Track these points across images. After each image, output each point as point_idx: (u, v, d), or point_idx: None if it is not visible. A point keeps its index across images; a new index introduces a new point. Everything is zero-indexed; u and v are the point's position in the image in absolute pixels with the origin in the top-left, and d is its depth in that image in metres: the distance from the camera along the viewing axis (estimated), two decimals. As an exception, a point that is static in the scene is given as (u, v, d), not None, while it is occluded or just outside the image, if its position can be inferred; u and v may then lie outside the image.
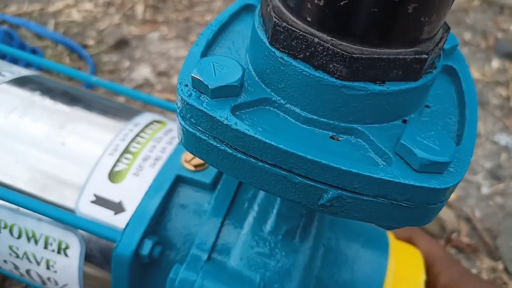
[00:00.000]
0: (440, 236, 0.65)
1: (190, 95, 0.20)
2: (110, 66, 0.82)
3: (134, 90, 0.45)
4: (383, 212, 0.20)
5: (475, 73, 0.95)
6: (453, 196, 0.68)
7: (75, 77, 0.43)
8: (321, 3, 0.18)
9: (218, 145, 0.20)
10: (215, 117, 0.19)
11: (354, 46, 0.18)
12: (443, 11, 0.19)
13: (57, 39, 0.85)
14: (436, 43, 0.20)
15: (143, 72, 0.82)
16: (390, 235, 0.36)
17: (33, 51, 0.74)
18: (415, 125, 0.20)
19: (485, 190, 0.71)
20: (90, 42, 0.88)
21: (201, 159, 0.21)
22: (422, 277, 0.33)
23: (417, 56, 0.19)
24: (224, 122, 0.19)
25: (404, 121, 0.22)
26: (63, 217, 0.31)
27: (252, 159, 0.20)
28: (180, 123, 0.21)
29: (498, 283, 0.59)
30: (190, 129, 0.21)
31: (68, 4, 0.98)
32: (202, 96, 0.20)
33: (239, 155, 0.20)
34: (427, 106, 0.23)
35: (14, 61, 0.66)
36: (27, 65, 0.67)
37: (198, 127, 0.20)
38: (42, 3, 0.98)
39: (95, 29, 0.91)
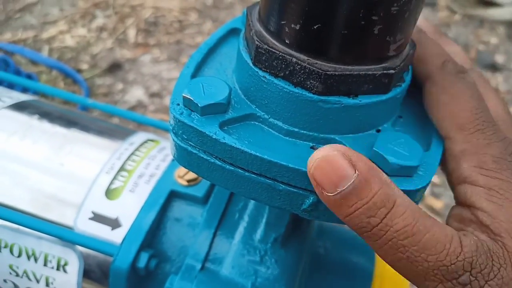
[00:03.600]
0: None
1: (181, 113, 0.22)
2: (104, 89, 0.84)
3: (128, 111, 0.46)
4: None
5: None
6: (439, 205, 0.70)
7: (71, 101, 0.45)
8: (297, 27, 0.20)
9: (208, 158, 0.22)
10: (205, 132, 0.21)
11: (328, 64, 0.21)
12: (407, 31, 0.21)
13: (52, 65, 0.88)
14: (403, 59, 0.22)
15: (136, 94, 0.84)
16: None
17: (29, 77, 0.76)
18: (387, 134, 0.22)
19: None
20: (84, 66, 0.90)
21: (193, 172, 0.23)
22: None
23: (385, 72, 0.21)
24: (213, 137, 0.21)
25: (378, 131, 0.23)
26: (62, 234, 0.32)
27: (240, 170, 0.22)
28: (173, 139, 0.23)
29: None
30: (182, 144, 0.23)
31: (62, 30, 1.01)
32: (193, 114, 0.22)
33: (227, 166, 0.22)
34: (400, 117, 0.25)
35: (11, 86, 0.67)
36: (24, 90, 0.69)
37: (190, 142, 0.22)
38: (36, 30, 1.00)
39: (88, 54, 0.94)
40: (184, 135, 0.22)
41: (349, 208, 0.19)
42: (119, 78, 0.86)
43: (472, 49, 1.12)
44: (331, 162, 0.19)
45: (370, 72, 0.21)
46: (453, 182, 0.23)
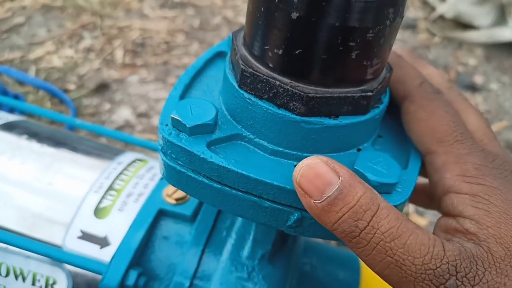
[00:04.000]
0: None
1: (170, 133, 0.23)
2: (91, 109, 0.84)
3: (116, 131, 0.47)
4: (345, 231, 0.23)
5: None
6: (423, 222, 0.71)
7: (59, 121, 0.45)
8: (280, 52, 0.21)
9: (196, 177, 0.23)
10: (193, 152, 0.22)
11: (309, 86, 0.22)
12: (383, 55, 0.23)
13: (39, 85, 0.88)
14: (380, 82, 0.24)
15: (124, 114, 0.84)
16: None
17: (15, 97, 0.77)
18: (367, 153, 0.23)
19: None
20: (71, 86, 0.90)
21: (181, 190, 0.24)
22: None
23: (363, 94, 0.22)
24: (201, 156, 0.22)
25: (359, 150, 0.25)
26: (50, 252, 0.32)
27: (227, 188, 0.23)
28: (162, 159, 0.24)
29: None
30: (171, 163, 0.23)
31: (49, 51, 1.01)
32: (181, 134, 0.23)
33: (215, 184, 0.23)
34: (380, 136, 0.27)
35: (-3, 107, 0.68)
36: (11, 110, 0.69)
37: (178, 161, 0.23)
38: (23, 51, 1.01)
39: (75, 74, 0.94)
40: (172, 155, 0.23)
41: (337, 213, 0.19)
42: (106, 98, 0.87)
43: (451, 70, 1.16)
44: (315, 169, 0.20)
45: (349, 95, 0.22)
46: (438, 194, 0.24)
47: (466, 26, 1.41)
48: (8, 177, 0.36)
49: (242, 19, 1.23)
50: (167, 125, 0.23)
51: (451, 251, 0.20)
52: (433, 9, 1.46)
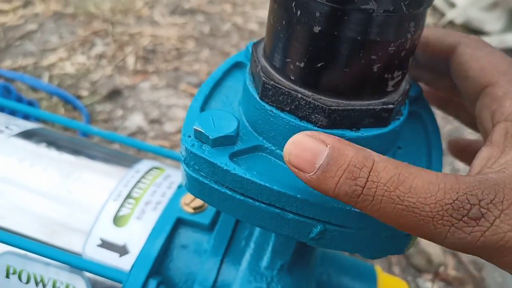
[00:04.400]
0: (427, 270, 0.67)
1: (193, 145, 0.23)
2: (104, 116, 0.85)
3: (133, 139, 0.48)
4: (366, 243, 0.23)
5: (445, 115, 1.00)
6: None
7: (77, 129, 0.46)
8: (302, 65, 0.22)
9: (219, 188, 0.23)
10: (216, 163, 0.23)
11: (331, 99, 0.22)
12: (403, 68, 0.23)
13: (52, 91, 0.89)
14: (401, 94, 0.24)
15: (136, 120, 0.85)
16: (377, 268, 0.39)
17: (30, 103, 0.78)
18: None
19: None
20: (84, 93, 0.91)
21: (204, 201, 0.24)
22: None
23: (384, 106, 0.23)
24: (224, 168, 0.22)
25: (379, 161, 0.25)
26: (71, 260, 0.33)
27: (249, 199, 0.23)
28: (185, 170, 0.24)
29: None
30: (194, 175, 0.24)
31: (62, 58, 1.02)
32: (204, 146, 0.23)
33: (237, 196, 0.23)
34: (399, 148, 0.27)
35: (13, 113, 0.69)
36: (25, 117, 0.70)
37: (201, 173, 0.23)
38: (36, 57, 1.02)
39: (88, 81, 0.95)
40: (195, 166, 0.23)
41: (333, 178, 0.19)
42: (118, 104, 0.88)
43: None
44: (301, 143, 0.20)
45: (370, 107, 0.22)
46: (494, 123, 0.23)
47: (476, 31, 1.40)
48: (29, 184, 0.37)
49: (252, 26, 1.24)
50: (189, 136, 0.24)
51: (467, 183, 0.18)
52: (442, 14, 1.45)
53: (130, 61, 1.02)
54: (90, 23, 1.15)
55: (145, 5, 1.27)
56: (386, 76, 0.22)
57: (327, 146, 0.19)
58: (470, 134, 0.94)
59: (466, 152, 0.34)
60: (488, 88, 0.24)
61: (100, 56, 1.04)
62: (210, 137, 0.23)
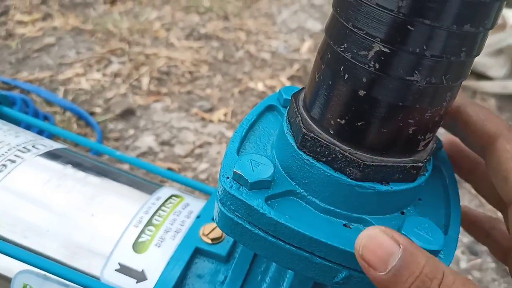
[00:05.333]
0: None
1: (231, 187, 0.24)
2: (115, 134, 0.87)
3: (155, 166, 0.49)
4: (387, 290, 0.24)
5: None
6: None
7: (103, 153, 0.47)
8: (342, 122, 0.23)
9: (252, 229, 0.24)
10: (252, 206, 0.24)
11: (366, 155, 0.24)
12: (435, 130, 0.24)
13: (66, 106, 0.91)
14: (429, 152, 0.25)
15: (147, 140, 0.86)
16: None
17: (45, 118, 0.79)
18: (412, 218, 0.25)
19: (463, 264, 0.75)
20: (97, 110, 0.93)
21: (236, 239, 0.25)
22: None
23: (414, 164, 0.24)
24: (260, 211, 0.24)
25: (402, 213, 0.26)
26: (90, 284, 0.34)
27: (281, 242, 0.24)
28: (220, 209, 0.25)
29: None
30: (229, 214, 0.25)
31: (78, 73, 1.04)
32: (241, 188, 0.25)
33: (269, 238, 0.24)
34: (419, 199, 0.28)
35: (28, 127, 0.70)
36: (40, 131, 0.71)
37: (236, 213, 0.25)
38: (53, 71, 1.04)
39: (102, 98, 0.97)
40: (231, 206, 0.25)
41: (404, 284, 0.20)
42: (131, 124, 0.89)
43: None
44: (376, 238, 0.21)
45: (401, 164, 0.24)
46: None
47: (479, 75, 1.44)
48: (53, 205, 0.38)
49: (264, 55, 1.27)
50: (228, 177, 0.25)
51: None
52: (449, 57, 1.49)
53: (145, 81, 1.04)
54: (108, 41, 1.18)
55: (162, 27, 1.30)
56: (419, 137, 0.23)
57: (400, 247, 0.20)
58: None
59: (474, 227, 0.34)
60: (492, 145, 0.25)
61: (116, 75, 1.06)
62: (249, 181, 0.24)
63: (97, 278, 0.35)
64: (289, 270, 0.32)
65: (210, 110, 0.97)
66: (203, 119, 0.94)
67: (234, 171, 0.25)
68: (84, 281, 0.34)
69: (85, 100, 0.96)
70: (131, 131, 0.88)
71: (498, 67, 1.45)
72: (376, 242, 0.21)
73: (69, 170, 0.41)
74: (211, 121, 0.92)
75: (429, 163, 0.27)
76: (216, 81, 1.10)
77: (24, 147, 0.42)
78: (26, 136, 0.44)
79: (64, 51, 1.13)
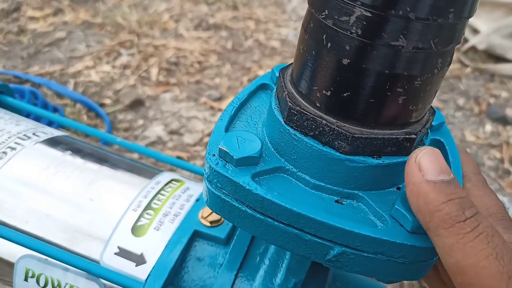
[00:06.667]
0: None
1: (217, 164, 0.24)
2: (125, 124, 0.87)
3: (156, 151, 0.49)
4: (382, 267, 0.23)
5: (469, 136, 0.99)
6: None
7: (101, 138, 0.47)
8: (328, 93, 0.22)
9: (240, 206, 0.24)
10: (238, 183, 0.23)
11: (355, 127, 0.23)
12: (428, 100, 0.23)
13: (76, 98, 0.91)
14: (423, 124, 0.24)
15: (156, 130, 0.86)
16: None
17: (55, 110, 0.80)
18: (407, 193, 0.24)
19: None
20: (107, 101, 0.94)
21: (224, 218, 0.25)
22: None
23: (407, 136, 0.23)
24: (246, 187, 0.23)
25: (398, 188, 0.25)
26: (89, 267, 0.34)
27: (269, 219, 0.23)
28: (207, 187, 0.25)
29: None
30: (216, 192, 0.24)
31: (88, 66, 1.05)
32: (227, 165, 0.24)
33: (257, 215, 0.24)
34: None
35: (38, 118, 0.71)
36: (50, 123, 0.72)
37: (223, 191, 0.24)
38: (63, 64, 1.05)
39: (112, 89, 0.97)
40: (218, 184, 0.24)
41: (448, 195, 0.20)
42: (140, 114, 0.89)
43: (483, 102, 1.15)
44: (438, 156, 0.21)
45: (393, 136, 0.23)
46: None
47: (498, 58, 1.40)
48: (52, 191, 0.38)
49: (274, 43, 1.26)
50: (214, 155, 0.24)
51: None
52: (465, 40, 1.45)
53: (154, 72, 1.04)
54: (117, 34, 1.18)
55: (171, 18, 1.30)
56: (411, 108, 0.22)
57: (451, 175, 0.21)
58: (488, 160, 0.93)
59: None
60: None
61: (125, 66, 1.06)
62: (234, 157, 0.23)
63: (97, 262, 0.35)
64: (288, 251, 0.31)
65: (219, 99, 0.97)
66: (212, 108, 0.93)
67: (219, 147, 0.24)
68: (84, 265, 0.34)
69: (95, 92, 0.96)
70: (140, 121, 0.88)
71: (517, 49, 1.41)
72: (436, 155, 0.21)
73: (69, 156, 0.41)
74: (220, 110, 0.92)
75: (426, 136, 0.26)
76: (225, 70, 1.10)
77: (24, 135, 0.42)
78: (27, 124, 0.44)
79: (74, 44, 1.14)
